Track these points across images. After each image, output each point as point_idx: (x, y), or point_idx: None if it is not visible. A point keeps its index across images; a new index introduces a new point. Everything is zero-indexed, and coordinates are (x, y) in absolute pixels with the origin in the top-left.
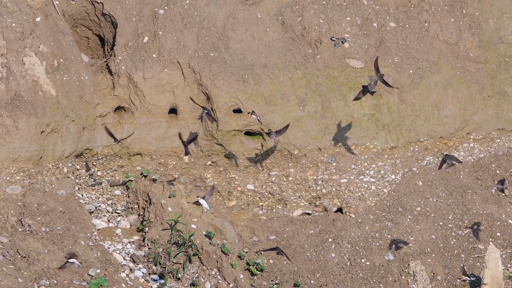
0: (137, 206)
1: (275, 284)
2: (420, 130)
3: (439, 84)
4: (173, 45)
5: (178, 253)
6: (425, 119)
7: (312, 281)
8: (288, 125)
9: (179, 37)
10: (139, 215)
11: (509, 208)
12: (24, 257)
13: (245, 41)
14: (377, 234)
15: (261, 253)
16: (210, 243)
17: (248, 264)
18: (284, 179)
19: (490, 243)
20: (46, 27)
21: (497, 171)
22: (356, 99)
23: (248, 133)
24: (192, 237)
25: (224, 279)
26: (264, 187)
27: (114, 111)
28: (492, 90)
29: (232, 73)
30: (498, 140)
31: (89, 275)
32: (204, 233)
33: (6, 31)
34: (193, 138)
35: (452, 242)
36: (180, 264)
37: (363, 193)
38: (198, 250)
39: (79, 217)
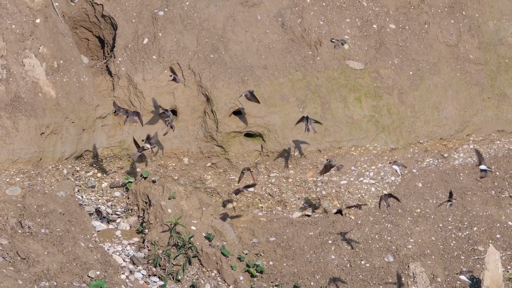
0: (136, 207)
1: (275, 286)
2: (420, 132)
3: (439, 85)
4: (173, 46)
5: (178, 255)
6: (425, 120)
7: (312, 283)
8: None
9: (179, 38)
10: (138, 216)
11: (509, 209)
12: (24, 258)
13: (245, 42)
14: (377, 236)
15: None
16: (210, 245)
17: (248, 265)
18: (284, 180)
19: (490, 245)
20: (46, 28)
21: (497, 173)
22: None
23: (248, 135)
24: (192, 239)
25: (224, 280)
26: (264, 188)
27: (114, 112)
28: (492, 91)
29: (232, 75)
30: (498, 142)
31: (89, 276)
32: (204, 234)
33: (6, 32)
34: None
35: (452, 244)
36: (180, 266)
37: (363, 194)
38: (198, 252)
39: (78, 219)
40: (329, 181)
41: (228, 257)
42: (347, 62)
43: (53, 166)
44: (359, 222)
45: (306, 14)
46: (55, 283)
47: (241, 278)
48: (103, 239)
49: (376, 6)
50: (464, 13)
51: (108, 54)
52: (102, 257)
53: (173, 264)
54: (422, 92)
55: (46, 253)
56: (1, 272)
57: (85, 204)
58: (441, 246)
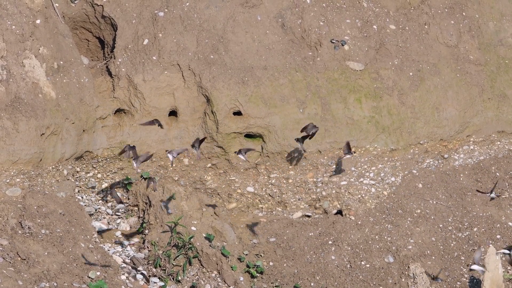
0: (137, 208)
1: (275, 286)
2: (420, 133)
3: (439, 86)
4: (173, 47)
5: (178, 256)
6: (425, 121)
7: (312, 284)
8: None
9: (179, 39)
10: (139, 217)
11: (509, 210)
12: (24, 259)
13: (245, 43)
14: (377, 237)
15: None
16: (210, 246)
17: (248, 266)
18: (284, 181)
19: (490, 245)
20: (46, 29)
21: (497, 174)
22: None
23: (248, 136)
24: (192, 239)
25: (224, 281)
26: (264, 189)
27: (114, 113)
28: (492, 92)
29: (232, 76)
30: (498, 143)
31: (89, 277)
32: (204, 235)
33: (6, 33)
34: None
35: (452, 245)
36: (180, 266)
37: (363, 195)
38: (198, 253)
39: (79, 220)
40: (329, 181)
41: (228, 257)
42: (347, 63)
43: (53, 167)
44: (359, 222)
45: (306, 15)
46: (55, 284)
47: (241, 278)
48: (103, 239)
49: (376, 7)
50: (464, 13)
51: (108, 55)
52: (102, 257)
53: (173, 264)
54: (422, 93)
55: (46, 253)
56: (1, 272)
57: (85, 205)
58: (441, 247)
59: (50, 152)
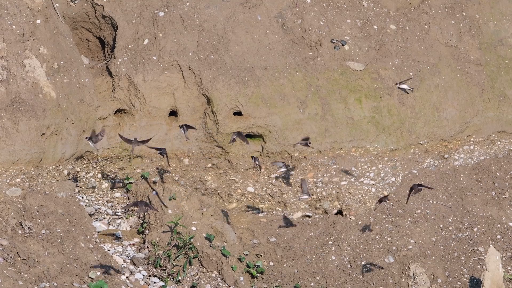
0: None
1: (275, 286)
2: (420, 133)
3: (439, 86)
4: (173, 47)
5: (178, 256)
6: (425, 121)
7: (312, 284)
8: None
9: (179, 39)
10: (139, 217)
11: (509, 210)
12: (24, 259)
13: (245, 43)
14: (377, 237)
15: None
16: (210, 246)
17: (248, 266)
18: (284, 181)
19: (490, 245)
20: (46, 29)
21: (497, 174)
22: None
23: (249, 136)
24: (192, 240)
25: (224, 281)
26: (264, 189)
27: (115, 113)
28: (492, 92)
29: (232, 76)
30: (499, 143)
31: (89, 277)
32: (204, 235)
33: (6, 33)
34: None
35: (452, 245)
36: (180, 266)
37: (363, 195)
38: (198, 253)
39: (79, 220)
40: (329, 182)
41: (228, 257)
42: (347, 63)
43: (53, 167)
44: (360, 222)
45: (307, 14)
46: (55, 284)
47: (242, 278)
48: (103, 239)
49: (376, 7)
50: (464, 13)
51: (109, 55)
52: (103, 257)
53: (173, 264)
54: (423, 93)
55: (46, 253)
56: (1, 272)
57: (85, 205)
58: (441, 247)
59: (50, 152)
